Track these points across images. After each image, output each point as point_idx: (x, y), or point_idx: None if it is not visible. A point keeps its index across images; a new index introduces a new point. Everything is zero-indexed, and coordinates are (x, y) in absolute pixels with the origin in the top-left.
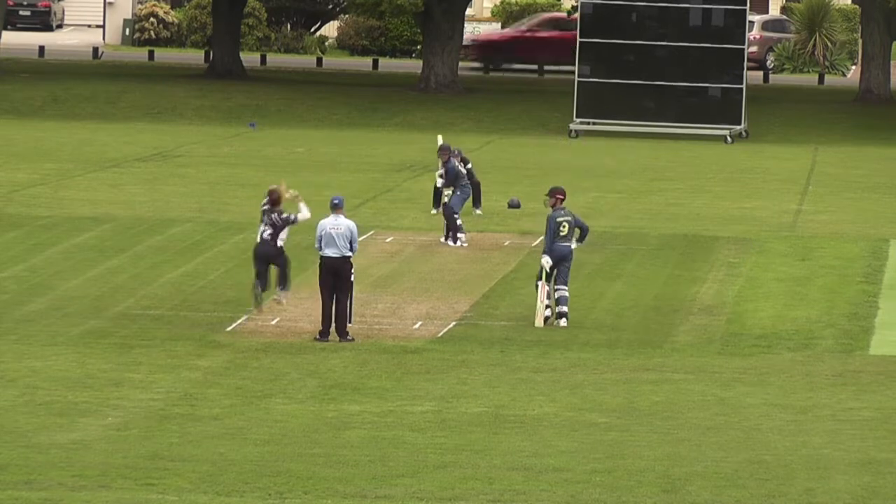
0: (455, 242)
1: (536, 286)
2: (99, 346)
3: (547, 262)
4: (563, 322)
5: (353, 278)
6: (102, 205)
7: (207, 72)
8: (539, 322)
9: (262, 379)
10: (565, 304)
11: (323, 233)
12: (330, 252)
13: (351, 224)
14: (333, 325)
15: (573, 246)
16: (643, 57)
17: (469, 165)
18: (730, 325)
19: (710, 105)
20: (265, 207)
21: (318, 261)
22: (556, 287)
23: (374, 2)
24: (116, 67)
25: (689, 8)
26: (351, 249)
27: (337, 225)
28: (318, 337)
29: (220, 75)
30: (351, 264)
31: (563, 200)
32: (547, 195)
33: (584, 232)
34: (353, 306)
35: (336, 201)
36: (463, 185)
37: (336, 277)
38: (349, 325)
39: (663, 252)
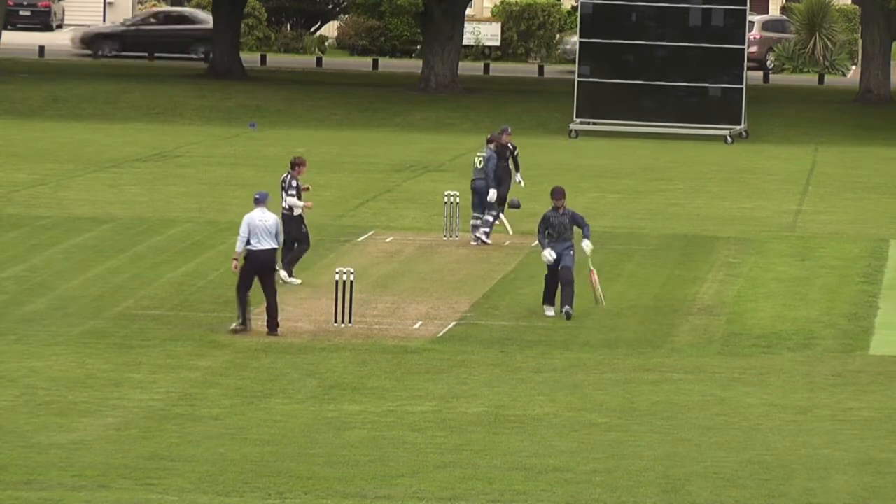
0: (476, 241)
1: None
2: (99, 346)
3: (549, 254)
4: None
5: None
6: (102, 205)
7: (207, 72)
8: (604, 303)
9: (262, 379)
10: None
11: (252, 226)
12: (261, 245)
13: (276, 217)
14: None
15: (587, 251)
16: (643, 57)
17: (517, 152)
18: (730, 325)
19: (710, 105)
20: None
21: (246, 255)
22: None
23: (375, 2)
24: (116, 67)
25: (689, 8)
26: (277, 242)
27: (265, 218)
28: (235, 328)
29: (220, 75)
30: (275, 258)
31: (560, 200)
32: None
33: (585, 231)
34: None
35: (258, 196)
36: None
37: (264, 270)
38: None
39: (663, 252)
